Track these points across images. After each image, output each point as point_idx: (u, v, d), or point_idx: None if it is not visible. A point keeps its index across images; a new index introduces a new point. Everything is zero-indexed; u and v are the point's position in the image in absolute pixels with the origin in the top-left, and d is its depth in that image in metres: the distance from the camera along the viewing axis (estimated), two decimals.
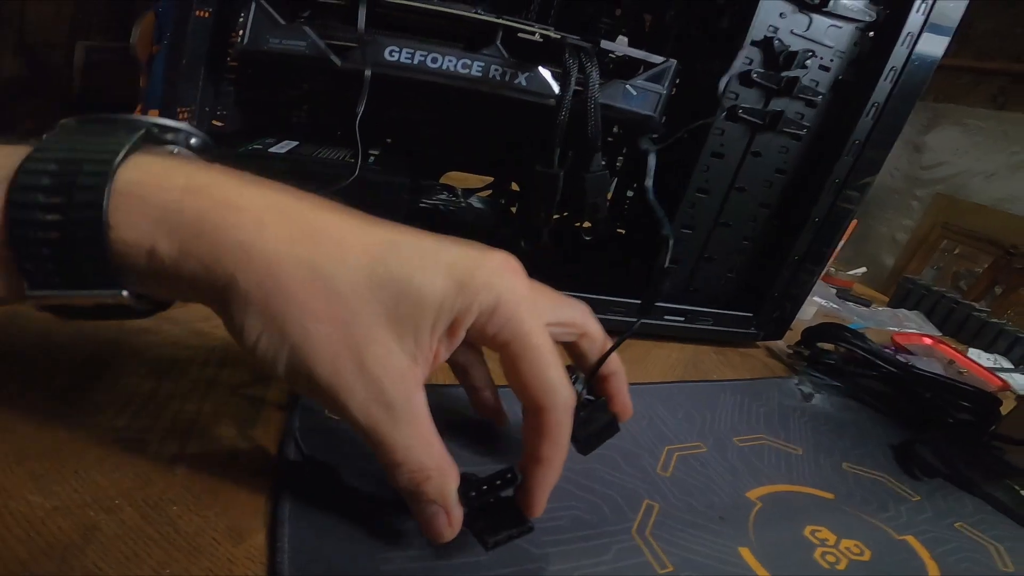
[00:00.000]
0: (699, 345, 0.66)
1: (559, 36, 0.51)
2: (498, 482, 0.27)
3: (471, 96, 0.51)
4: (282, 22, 0.46)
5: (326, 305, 0.21)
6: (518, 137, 0.61)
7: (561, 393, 0.25)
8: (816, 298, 0.94)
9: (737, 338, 0.68)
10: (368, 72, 0.47)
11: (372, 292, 0.21)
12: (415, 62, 0.49)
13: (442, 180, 0.68)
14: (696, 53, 0.57)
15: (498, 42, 0.50)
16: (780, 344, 0.72)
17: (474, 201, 0.65)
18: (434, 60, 0.49)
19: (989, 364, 0.94)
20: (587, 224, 0.62)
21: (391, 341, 0.22)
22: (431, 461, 0.24)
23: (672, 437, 0.47)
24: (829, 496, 0.45)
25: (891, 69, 0.57)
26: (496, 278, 0.23)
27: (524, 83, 0.51)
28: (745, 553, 0.35)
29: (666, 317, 0.63)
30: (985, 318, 1.05)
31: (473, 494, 0.26)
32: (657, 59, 0.54)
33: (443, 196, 0.64)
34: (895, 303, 1.16)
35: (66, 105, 2.13)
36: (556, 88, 0.52)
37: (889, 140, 0.60)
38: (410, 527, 0.28)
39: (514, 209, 0.68)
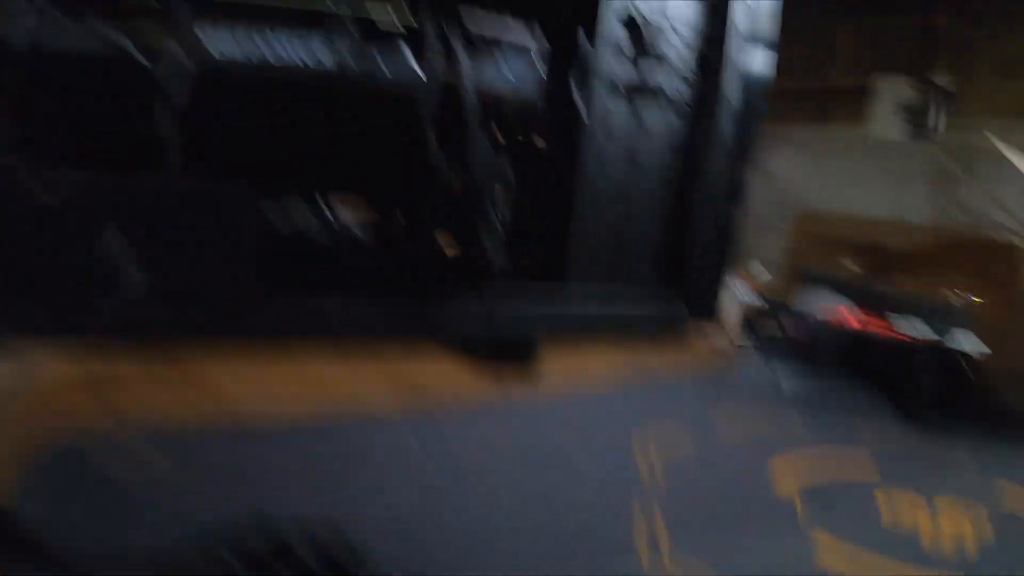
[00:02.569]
0: (648, 349, 0.64)
1: (422, 22, 0.50)
2: None
3: (328, 96, 0.48)
4: (65, 18, 0.40)
5: None
6: (386, 140, 0.58)
7: None
8: (738, 295, 0.98)
9: (668, 319, 0.66)
10: (190, 70, 0.42)
11: None
12: (254, 59, 0.45)
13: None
14: (572, 33, 0.60)
15: (353, 31, 0.48)
16: (724, 333, 0.72)
17: (351, 227, 0.59)
18: (278, 57, 0.46)
19: (915, 333, 1.04)
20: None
21: None
22: None
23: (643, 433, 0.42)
24: (873, 472, 0.42)
25: (734, 35, 0.64)
26: None
27: (387, 72, 0.49)
28: (829, 548, 0.30)
29: (596, 306, 0.60)
30: (893, 292, 1.16)
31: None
32: (525, 39, 0.55)
33: (311, 220, 0.57)
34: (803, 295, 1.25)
35: None
36: (423, 75, 0.50)
37: (756, 107, 0.66)
38: None
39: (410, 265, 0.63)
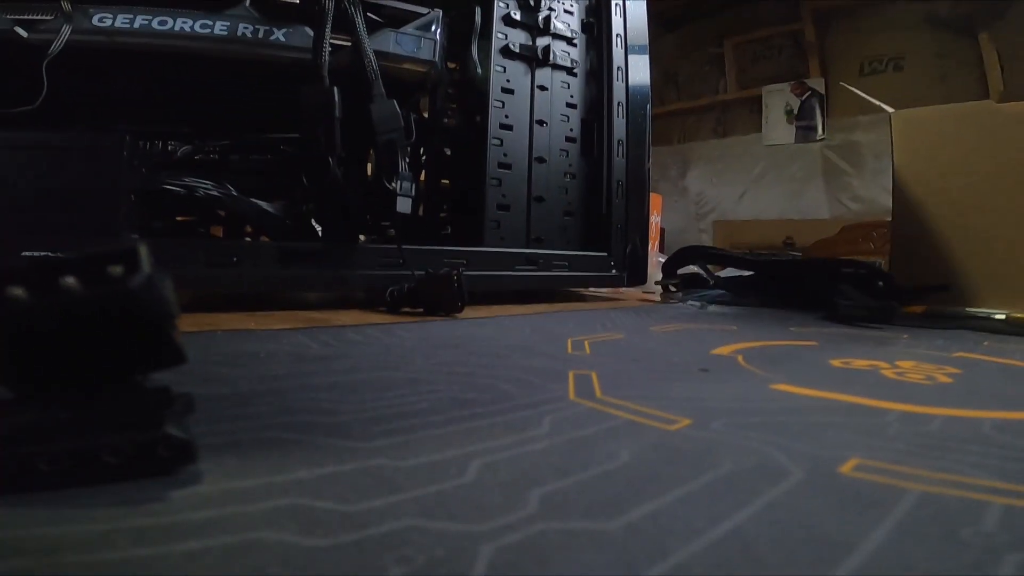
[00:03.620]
0: (575, 302, 0.66)
1: None
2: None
3: (221, 64, 0.48)
4: None
5: None
6: (284, 109, 0.58)
7: None
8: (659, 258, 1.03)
9: (602, 282, 0.69)
10: (66, 32, 0.42)
11: None
12: (136, 26, 0.45)
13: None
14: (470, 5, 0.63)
15: (247, 3, 0.49)
16: (650, 287, 0.75)
17: (261, 203, 0.59)
18: (162, 23, 0.46)
19: None
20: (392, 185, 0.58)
21: None
22: None
23: (573, 333, 0.44)
24: (814, 343, 0.45)
25: (615, 4, 0.70)
26: None
27: (283, 39, 0.50)
28: (784, 387, 0.31)
29: (517, 267, 0.62)
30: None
31: None
32: (423, 10, 0.58)
33: (204, 183, 0.55)
34: None
35: None
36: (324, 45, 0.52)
37: (641, 64, 0.72)
38: None
39: (316, 223, 0.63)
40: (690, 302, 0.66)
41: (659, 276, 0.94)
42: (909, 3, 2.66)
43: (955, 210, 0.85)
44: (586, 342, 0.41)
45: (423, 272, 0.52)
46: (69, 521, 0.14)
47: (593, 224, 0.70)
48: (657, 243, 1.19)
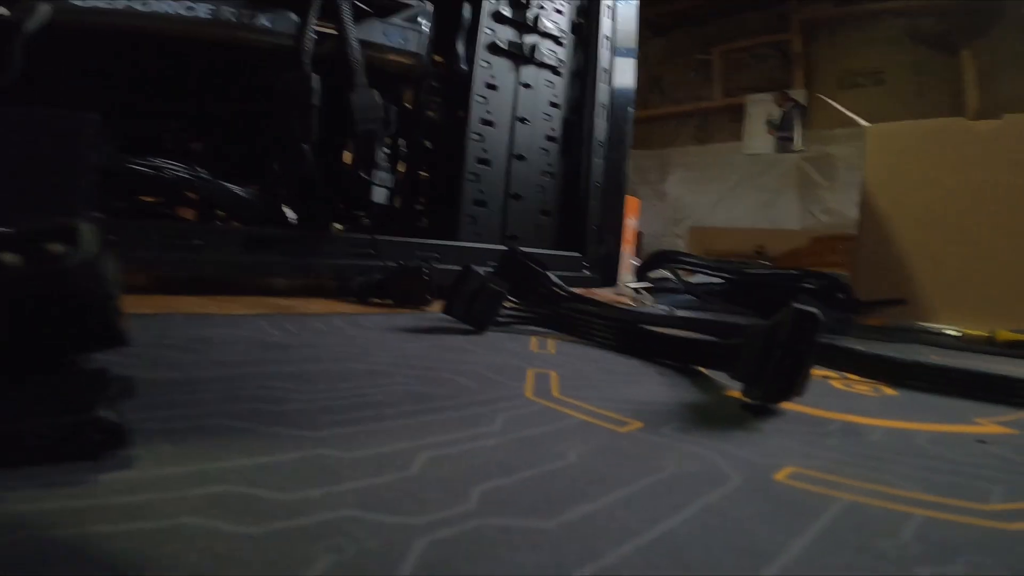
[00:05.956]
0: None
1: None
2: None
3: (203, 47, 0.47)
4: None
5: None
6: (264, 96, 0.57)
7: None
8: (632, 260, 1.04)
9: (574, 282, 0.69)
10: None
11: None
12: (118, 6, 0.43)
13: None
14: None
15: None
16: (622, 289, 0.75)
17: (233, 186, 0.57)
18: (144, 3, 0.45)
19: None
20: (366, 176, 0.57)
21: None
22: None
23: (539, 331, 0.44)
24: None
25: (606, 6, 0.70)
26: None
27: (268, 24, 0.49)
28: (737, 394, 0.31)
29: (491, 263, 0.61)
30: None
31: None
32: (413, 1, 0.57)
33: (174, 165, 0.54)
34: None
35: None
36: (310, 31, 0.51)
37: (627, 67, 0.72)
38: None
39: (288, 210, 0.61)
40: (659, 305, 0.67)
41: (632, 279, 0.94)
42: (894, 18, 2.70)
43: (917, 225, 0.87)
44: (550, 341, 0.41)
45: (394, 264, 0.52)
46: None
47: (569, 224, 0.70)
48: (632, 246, 1.20)
